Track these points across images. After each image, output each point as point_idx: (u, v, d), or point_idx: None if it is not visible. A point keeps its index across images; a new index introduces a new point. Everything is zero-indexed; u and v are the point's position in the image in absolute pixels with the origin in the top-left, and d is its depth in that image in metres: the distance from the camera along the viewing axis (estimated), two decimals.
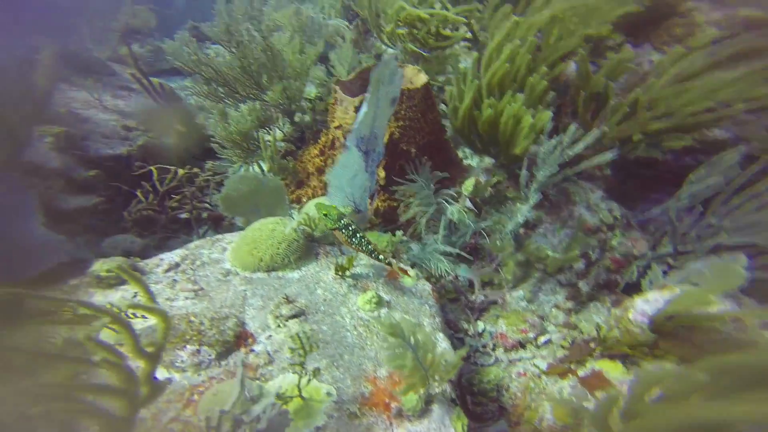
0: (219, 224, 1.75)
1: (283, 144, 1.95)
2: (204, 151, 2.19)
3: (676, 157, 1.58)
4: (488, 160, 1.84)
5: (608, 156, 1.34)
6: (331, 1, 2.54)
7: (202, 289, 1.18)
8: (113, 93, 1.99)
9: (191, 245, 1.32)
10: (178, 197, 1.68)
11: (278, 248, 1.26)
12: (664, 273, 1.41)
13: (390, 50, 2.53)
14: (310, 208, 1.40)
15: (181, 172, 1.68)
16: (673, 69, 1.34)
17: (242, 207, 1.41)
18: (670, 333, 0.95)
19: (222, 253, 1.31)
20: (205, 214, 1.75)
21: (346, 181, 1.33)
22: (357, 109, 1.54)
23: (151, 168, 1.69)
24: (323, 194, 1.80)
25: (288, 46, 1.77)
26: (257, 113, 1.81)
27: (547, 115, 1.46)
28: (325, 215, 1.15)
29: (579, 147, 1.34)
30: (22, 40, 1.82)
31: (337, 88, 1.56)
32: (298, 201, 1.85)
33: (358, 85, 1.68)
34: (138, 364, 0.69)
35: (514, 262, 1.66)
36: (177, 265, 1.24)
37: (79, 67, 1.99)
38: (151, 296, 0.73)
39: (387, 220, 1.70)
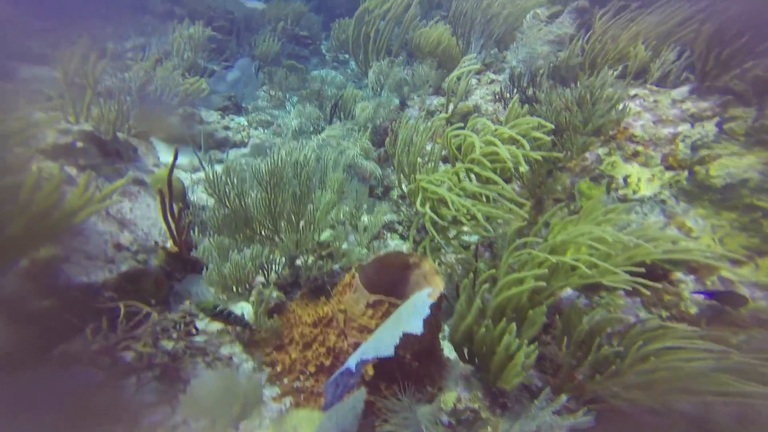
0: (168, 379, 1.61)
1: (275, 294, 1.92)
2: (186, 265, 2.13)
3: (638, 411, 1.66)
4: (469, 366, 1.87)
5: (584, 422, 1.39)
6: (366, 143, 2.73)
7: None
8: (124, 189, 1.97)
9: None
10: (135, 340, 1.57)
11: None
12: None
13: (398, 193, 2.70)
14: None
15: (154, 316, 1.59)
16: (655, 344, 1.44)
17: (213, 410, 1.31)
18: None
19: None
20: (158, 360, 1.62)
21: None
22: (369, 306, 1.57)
23: (120, 305, 1.60)
24: (301, 371, 1.73)
25: (321, 201, 1.84)
26: (260, 260, 1.81)
27: (535, 354, 1.53)
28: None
29: (560, 424, 1.36)
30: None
31: (357, 275, 1.60)
32: (272, 365, 1.77)
33: (375, 268, 1.74)
34: None
35: None
36: None
37: (107, 152, 1.99)
38: None
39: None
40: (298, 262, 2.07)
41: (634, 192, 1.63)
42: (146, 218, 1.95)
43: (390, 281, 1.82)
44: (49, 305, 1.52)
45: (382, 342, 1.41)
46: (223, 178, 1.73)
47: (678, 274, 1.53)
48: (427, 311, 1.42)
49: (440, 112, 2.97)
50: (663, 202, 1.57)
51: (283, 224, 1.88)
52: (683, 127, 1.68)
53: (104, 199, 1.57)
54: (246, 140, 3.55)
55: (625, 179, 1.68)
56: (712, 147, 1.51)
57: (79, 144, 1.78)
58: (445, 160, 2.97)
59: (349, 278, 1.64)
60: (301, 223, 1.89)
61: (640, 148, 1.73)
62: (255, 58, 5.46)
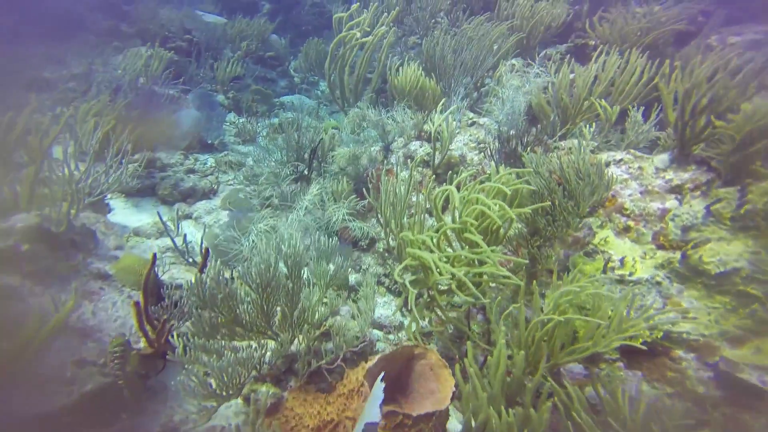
0: None
1: (271, 391, 1.78)
2: (165, 358, 1.93)
3: None
4: None
5: None
6: (352, 201, 2.63)
7: None
8: (84, 287, 1.73)
9: None
10: None
11: None
12: None
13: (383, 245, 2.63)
14: None
15: None
16: None
17: None
18: None
19: None
20: None
21: None
22: (382, 417, 1.49)
23: None
24: None
25: (312, 297, 1.72)
26: (253, 362, 1.66)
27: None
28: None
29: None
30: None
31: (366, 383, 1.51)
32: None
33: (381, 367, 1.66)
34: None
35: None
36: None
37: (60, 244, 1.73)
38: None
39: None
40: (292, 347, 1.94)
41: (631, 273, 1.68)
42: (113, 319, 1.73)
43: (394, 373, 1.76)
44: None
45: None
46: (208, 284, 1.56)
47: (678, 352, 1.58)
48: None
49: (426, 162, 2.93)
50: (659, 284, 1.63)
51: (276, 318, 1.74)
52: (671, 203, 1.76)
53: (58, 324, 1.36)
54: (215, 187, 3.31)
55: (621, 260, 1.73)
56: (701, 230, 1.59)
57: (25, 246, 1.54)
58: (431, 212, 2.94)
59: (356, 384, 1.55)
60: (295, 313, 1.77)
61: (631, 223, 1.79)
62: (217, 82, 5.15)
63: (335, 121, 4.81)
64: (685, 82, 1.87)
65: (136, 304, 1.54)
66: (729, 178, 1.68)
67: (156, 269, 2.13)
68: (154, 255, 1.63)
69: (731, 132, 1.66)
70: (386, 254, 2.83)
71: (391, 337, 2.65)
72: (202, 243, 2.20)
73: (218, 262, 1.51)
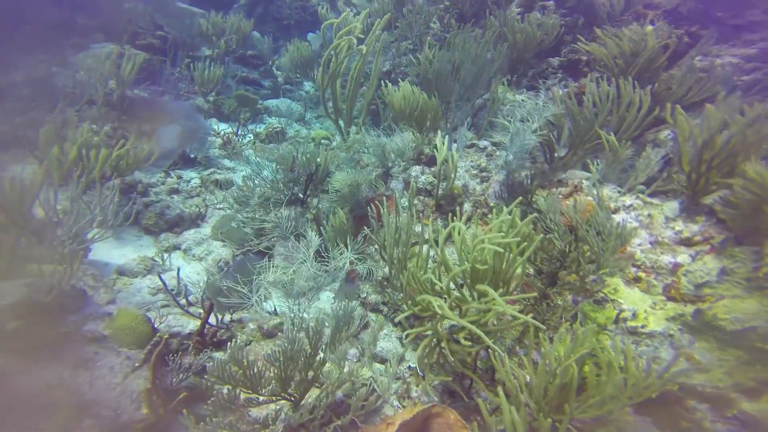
0: None
1: None
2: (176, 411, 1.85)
3: None
4: None
5: None
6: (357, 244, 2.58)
7: None
8: (77, 356, 1.61)
9: None
10: None
11: None
12: None
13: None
14: None
15: None
16: None
17: None
18: None
19: None
20: None
21: None
22: None
23: None
24: None
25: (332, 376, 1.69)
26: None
27: None
28: None
29: None
30: None
31: None
32: None
33: None
34: None
35: None
36: None
37: (49, 310, 1.60)
38: None
39: None
40: (312, 400, 1.91)
41: (644, 326, 1.75)
42: (112, 387, 1.63)
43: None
44: None
45: None
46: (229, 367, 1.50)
47: (691, 402, 1.66)
48: None
49: (428, 190, 2.90)
50: (671, 336, 1.71)
51: (293, 382, 1.70)
52: (683, 257, 1.83)
53: None
54: (202, 211, 3.15)
55: (634, 312, 1.79)
56: (715, 287, 1.67)
57: (11, 324, 1.41)
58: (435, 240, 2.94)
59: None
60: (310, 374, 1.73)
61: (641, 274, 1.86)
62: (195, 84, 4.86)
63: (324, 131, 4.68)
64: (704, 133, 1.92)
65: (147, 390, 1.46)
66: (741, 234, 1.77)
67: (154, 324, 2.03)
68: (166, 340, 1.54)
69: (749, 196, 1.70)
70: (385, 282, 2.82)
71: (392, 370, 2.66)
72: (203, 296, 2.10)
73: (237, 342, 1.44)
